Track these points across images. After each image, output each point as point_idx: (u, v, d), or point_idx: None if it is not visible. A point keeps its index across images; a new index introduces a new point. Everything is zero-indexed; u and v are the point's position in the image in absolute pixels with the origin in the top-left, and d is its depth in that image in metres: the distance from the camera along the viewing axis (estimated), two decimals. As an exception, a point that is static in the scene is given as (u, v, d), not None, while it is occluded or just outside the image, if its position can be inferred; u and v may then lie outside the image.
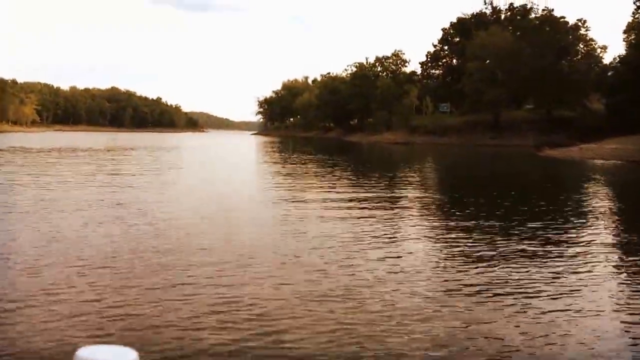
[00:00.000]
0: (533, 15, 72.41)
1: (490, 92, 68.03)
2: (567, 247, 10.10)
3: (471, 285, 7.39)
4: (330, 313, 6.15)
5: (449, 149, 61.92)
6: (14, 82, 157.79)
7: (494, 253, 9.33)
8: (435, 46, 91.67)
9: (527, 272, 8.09)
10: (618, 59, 61.44)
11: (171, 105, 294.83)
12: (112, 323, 5.69)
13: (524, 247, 9.87)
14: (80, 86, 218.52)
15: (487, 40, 69.36)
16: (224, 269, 7.84)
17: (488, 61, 70.48)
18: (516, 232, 11.25)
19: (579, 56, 67.45)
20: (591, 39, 66.47)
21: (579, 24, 66.25)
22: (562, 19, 67.20)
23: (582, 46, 67.15)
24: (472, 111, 72.99)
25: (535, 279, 7.72)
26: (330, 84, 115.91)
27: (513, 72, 67.87)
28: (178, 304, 6.33)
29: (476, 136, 70.29)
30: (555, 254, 9.38)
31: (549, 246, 10.07)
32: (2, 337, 5.32)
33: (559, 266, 8.48)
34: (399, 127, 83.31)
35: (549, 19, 68.04)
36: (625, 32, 57.26)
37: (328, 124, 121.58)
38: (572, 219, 13.51)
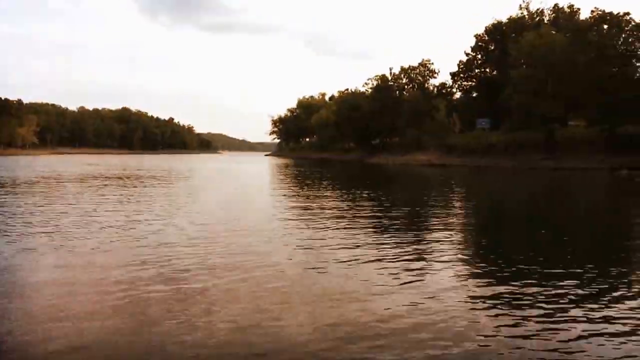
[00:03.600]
0: (586, 16, 61.88)
1: (542, 104, 57.51)
2: None
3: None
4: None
5: (498, 173, 51.38)
6: (19, 102, 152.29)
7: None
8: (467, 55, 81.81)
9: None
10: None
11: (183, 126, 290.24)
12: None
13: None
14: (90, 107, 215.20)
15: (536, 42, 59.02)
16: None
17: (536, 68, 60.00)
18: None
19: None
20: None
21: (647, 22, 55.49)
22: (625, 17, 56.46)
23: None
24: (519, 127, 62.41)
25: None
26: (349, 99, 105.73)
27: (568, 81, 57.36)
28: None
29: (525, 156, 59.76)
30: None
31: None
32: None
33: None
34: (430, 147, 72.93)
35: (607, 17, 57.38)
36: None
37: (347, 144, 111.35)
38: None
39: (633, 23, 56.09)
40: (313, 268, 8.91)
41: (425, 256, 10.01)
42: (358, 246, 10.86)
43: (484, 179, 44.63)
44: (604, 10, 58.94)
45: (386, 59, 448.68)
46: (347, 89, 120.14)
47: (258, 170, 58.25)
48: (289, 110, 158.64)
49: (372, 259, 9.62)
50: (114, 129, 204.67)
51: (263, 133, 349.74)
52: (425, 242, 11.63)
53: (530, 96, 59.15)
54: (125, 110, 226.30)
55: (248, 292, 7.40)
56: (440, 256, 9.99)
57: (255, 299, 7.07)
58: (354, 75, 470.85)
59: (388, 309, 6.68)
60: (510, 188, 35.22)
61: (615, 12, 57.26)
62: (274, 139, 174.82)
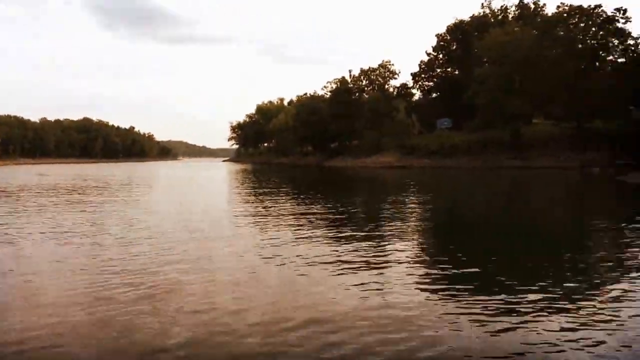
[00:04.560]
0: (554, 10, 59.02)
1: (509, 102, 54.10)
2: None
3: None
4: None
5: (462, 174, 47.51)
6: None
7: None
8: (429, 54, 78.46)
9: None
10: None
11: (144, 135, 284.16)
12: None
13: None
14: (52, 118, 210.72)
15: (502, 38, 55.76)
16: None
17: (502, 65, 56.75)
18: None
19: (617, 55, 53.82)
20: (629, 34, 52.68)
21: (617, 14, 52.64)
22: (596, 10, 53.61)
23: (616, 42, 53.46)
24: (483, 127, 58.97)
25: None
26: (308, 103, 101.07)
27: (535, 77, 54.21)
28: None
29: (491, 156, 56.25)
30: None
31: None
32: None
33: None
34: (391, 149, 68.89)
35: (577, 11, 54.55)
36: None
37: (306, 148, 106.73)
38: None
39: (604, 16, 53.29)
40: (272, 269, 8.67)
41: (381, 257, 9.49)
42: (315, 248, 10.44)
43: (446, 180, 40.66)
44: (571, 5, 56.21)
45: (345, 63, 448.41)
46: (305, 94, 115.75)
47: (210, 176, 53.42)
48: (247, 116, 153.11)
49: (330, 260, 9.25)
50: (75, 139, 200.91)
51: (223, 139, 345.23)
52: (381, 244, 10.82)
53: (496, 94, 55.72)
54: (86, 120, 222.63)
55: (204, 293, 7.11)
56: (396, 257, 9.54)
57: (212, 298, 6.88)
58: (312, 80, 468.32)
59: (340, 305, 6.58)
60: (473, 189, 31.68)
61: (585, 6, 54.36)
62: (233, 145, 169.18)
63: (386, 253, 9.83)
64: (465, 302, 6.70)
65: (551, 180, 36.64)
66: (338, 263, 8.93)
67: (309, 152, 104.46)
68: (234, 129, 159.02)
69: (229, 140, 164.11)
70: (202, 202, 22.17)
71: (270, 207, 18.68)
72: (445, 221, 16.05)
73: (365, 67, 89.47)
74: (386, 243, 10.90)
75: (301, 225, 13.58)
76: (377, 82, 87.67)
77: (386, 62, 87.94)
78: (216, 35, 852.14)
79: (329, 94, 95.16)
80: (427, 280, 7.88)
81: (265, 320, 5.97)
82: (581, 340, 5.31)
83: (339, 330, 5.64)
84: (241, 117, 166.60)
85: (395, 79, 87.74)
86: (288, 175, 52.16)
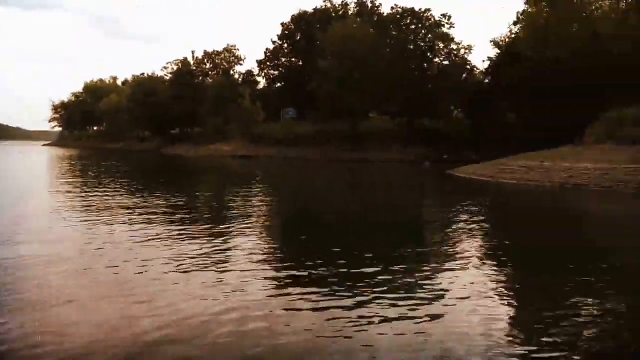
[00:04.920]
0: (390, 10, 62.68)
1: (348, 97, 56.36)
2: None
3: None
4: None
5: (306, 164, 48.53)
6: None
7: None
8: (274, 43, 78.43)
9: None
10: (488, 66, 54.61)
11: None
12: None
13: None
14: None
15: (343, 32, 57.68)
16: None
17: (343, 59, 58.82)
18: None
19: (442, 58, 59.28)
20: (453, 38, 58.42)
21: (443, 20, 57.94)
22: (425, 14, 58.31)
23: (442, 45, 58.93)
24: (326, 119, 60.77)
25: None
26: (145, 84, 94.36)
27: (373, 74, 57.27)
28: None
29: (333, 148, 58.29)
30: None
31: None
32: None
33: None
34: (236, 137, 67.62)
35: (409, 13, 58.74)
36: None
37: (143, 133, 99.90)
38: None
39: (433, 20, 58.08)
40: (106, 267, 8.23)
41: (226, 256, 9.28)
42: (152, 248, 9.75)
43: (293, 172, 41.16)
44: (404, 7, 60.28)
45: (187, 44, 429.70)
46: (143, 74, 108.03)
47: (27, 165, 46.67)
48: (74, 94, 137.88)
49: (168, 260, 8.70)
50: None
51: (43, 121, 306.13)
52: (227, 242, 10.62)
53: (337, 88, 57.67)
54: None
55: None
56: (241, 256, 9.30)
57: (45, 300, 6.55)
58: (150, 60, 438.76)
59: (172, 304, 6.48)
60: (319, 181, 32.67)
61: (417, 9, 58.72)
62: (55, 127, 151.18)
63: (230, 252, 9.53)
64: (299, 297, 6.90)
65: (392, 173, 39.41)
66: (178, 263, 8.49)
67: (146, 137, 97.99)
68: (56, 108, 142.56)
69: (50, 121, 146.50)
70: (15, 197, 18.66)
71: (100, 201, 16.99)
72: (293, 215, 16.10)
73: (210, 50, 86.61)
74: (232, 241, 10.65)
75: (137, 222, 12.64)
76: (222, 66, 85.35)
77: (232, 46, 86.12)
78: (37, 1, 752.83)
79: (169, 75, 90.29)
80: (273, 281, 7.81)
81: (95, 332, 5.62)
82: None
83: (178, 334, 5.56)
84: (66, 96, 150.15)
85: (241, 64, 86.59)
86: (123, 163, 48.01)
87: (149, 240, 10.43)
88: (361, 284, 7.46)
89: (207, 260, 8.76)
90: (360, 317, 6.16)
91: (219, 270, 8.19)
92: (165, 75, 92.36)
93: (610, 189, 22.69)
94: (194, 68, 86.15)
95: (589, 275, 8.40)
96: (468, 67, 58.75)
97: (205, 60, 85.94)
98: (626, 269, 9.28)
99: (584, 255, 10.37)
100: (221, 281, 7.58)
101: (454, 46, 58.52)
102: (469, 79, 59.09)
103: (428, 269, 8.63)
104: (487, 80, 57.31)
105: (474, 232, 12.59)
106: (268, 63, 78.44)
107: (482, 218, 15.34)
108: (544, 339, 5.62)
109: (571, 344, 5.53)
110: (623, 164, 24.32)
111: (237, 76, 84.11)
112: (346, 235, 12.23)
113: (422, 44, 59.28)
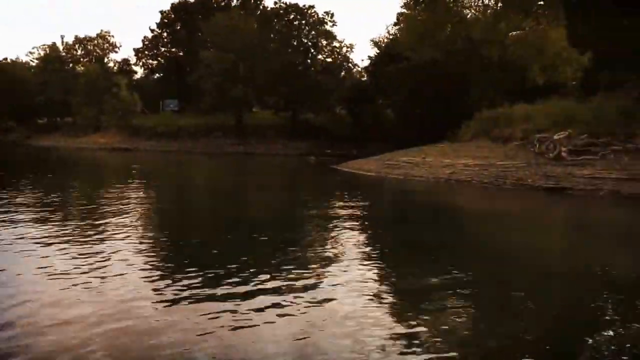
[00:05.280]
0: (273, 4, 62.76)
1: (233, 89, 55.81)
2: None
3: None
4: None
5: (191, 158, 47.48)
6: None
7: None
8: (153, 31, 75.15)
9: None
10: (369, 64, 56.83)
11: None
12: None
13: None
14: None
15: (227, 23, 56.87)
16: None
17: (227, 51, 58.07)
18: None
19: (325, 55, 60.75)
20: (335, 36, 60.11)
21: (326, 17, 59.34)
22: (309, 11, 59.29)
23: (325, 43, 60.42)
24: (210, 111, 59.63)
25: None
26: (8, 70, 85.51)
27: (258, 67, 57.24)
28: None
29: (217, 141, 57.41)
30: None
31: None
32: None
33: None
34: (112, 128, 63.95)
35: (293, 9, 59.42)
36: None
37: (6, 123, 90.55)
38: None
39: (316, 17, 59.18)
40: None
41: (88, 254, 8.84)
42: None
43: (168, 165, 40.10)
44: (287, 3, 60.82)
45: (55, 28, 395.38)
46: (6, 59, 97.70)
47: None
48: None
49: (37, 265, 8.08)
50: None
51: None
52: (89, 237, 10.26)
53: (220, 79, 56.81)
54: None
55: None
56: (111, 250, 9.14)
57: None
58: (13, 44, 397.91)
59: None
60: (196, 175, 31.94)
61: (300, 5, 59.52)
62: None
63: (105, 255, 8.82)
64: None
65: (278, 166, 39.56)
66: (46, 270, 7.76)
67: (10, 127, 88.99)
68: None
69: None
70: None
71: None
72: (167, 215, 15.38)
73: (81, 36, 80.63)
74: (102, 243, 9.90)
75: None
76: (94, 53, 79.92)
77: (105, 32, 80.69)
78: None
79: (36, 61, 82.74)
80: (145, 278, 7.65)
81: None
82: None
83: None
84: None
85: (116, 52, 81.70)
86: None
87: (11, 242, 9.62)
88: (239, 287, 7.16)
89: (73, 264, 8.13)
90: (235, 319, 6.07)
91: (86, 272, 7.71)
92: (31, 60, 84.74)
93: (490, 184, 23.26)
94: (64, 54, 79.75)
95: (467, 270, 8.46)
96: (350, 65, 60.88)
97: (76, 46, 79.89)
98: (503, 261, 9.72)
99: (461, 250, 10.59)
100: (90, 283, 7.18)
101: (336, 44, 60.21)
102: (351, 77, 61.20)
103: (308, 270, 8.28)
104: (365, 78, 59.70)
105: (359, 228, 12.77)
106: (146, 52, 75.02)
107: (367, 213, 15.51)
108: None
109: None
110: (499, 160, 25.26)
111: (111, 64, 79.34)
112: (225, 238, 11.64)
113: (306, 40, 60.29)
